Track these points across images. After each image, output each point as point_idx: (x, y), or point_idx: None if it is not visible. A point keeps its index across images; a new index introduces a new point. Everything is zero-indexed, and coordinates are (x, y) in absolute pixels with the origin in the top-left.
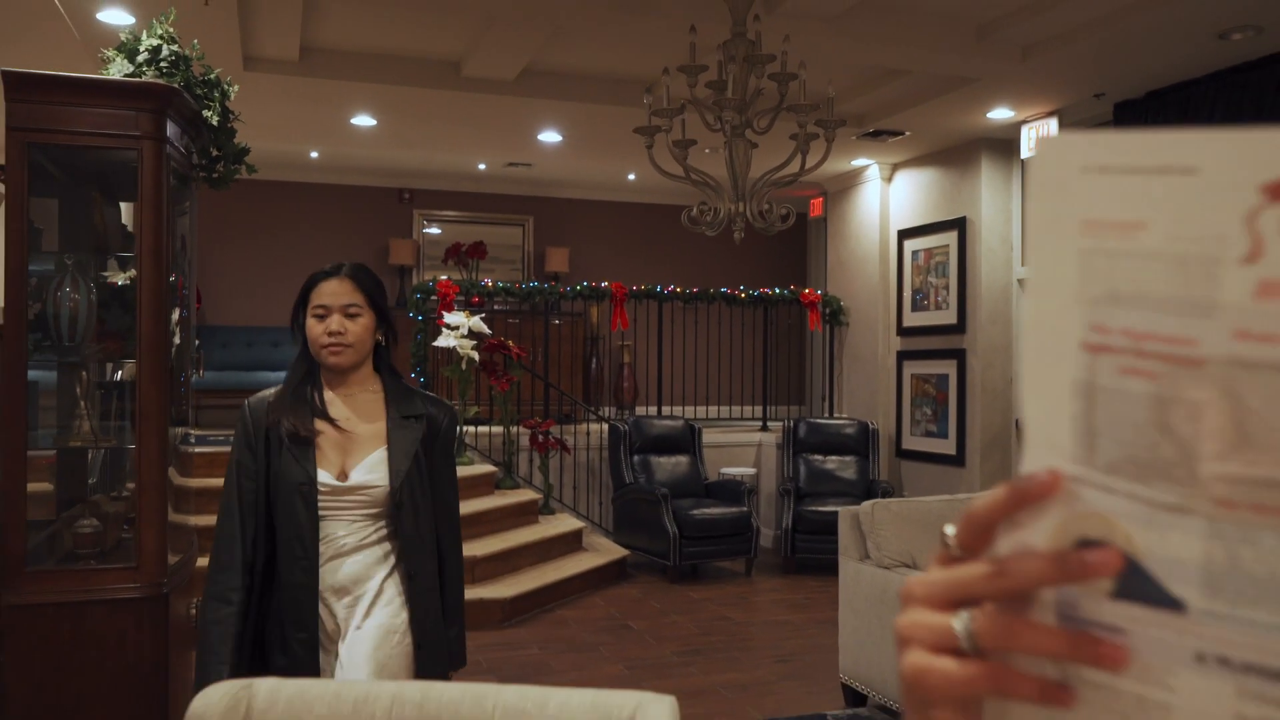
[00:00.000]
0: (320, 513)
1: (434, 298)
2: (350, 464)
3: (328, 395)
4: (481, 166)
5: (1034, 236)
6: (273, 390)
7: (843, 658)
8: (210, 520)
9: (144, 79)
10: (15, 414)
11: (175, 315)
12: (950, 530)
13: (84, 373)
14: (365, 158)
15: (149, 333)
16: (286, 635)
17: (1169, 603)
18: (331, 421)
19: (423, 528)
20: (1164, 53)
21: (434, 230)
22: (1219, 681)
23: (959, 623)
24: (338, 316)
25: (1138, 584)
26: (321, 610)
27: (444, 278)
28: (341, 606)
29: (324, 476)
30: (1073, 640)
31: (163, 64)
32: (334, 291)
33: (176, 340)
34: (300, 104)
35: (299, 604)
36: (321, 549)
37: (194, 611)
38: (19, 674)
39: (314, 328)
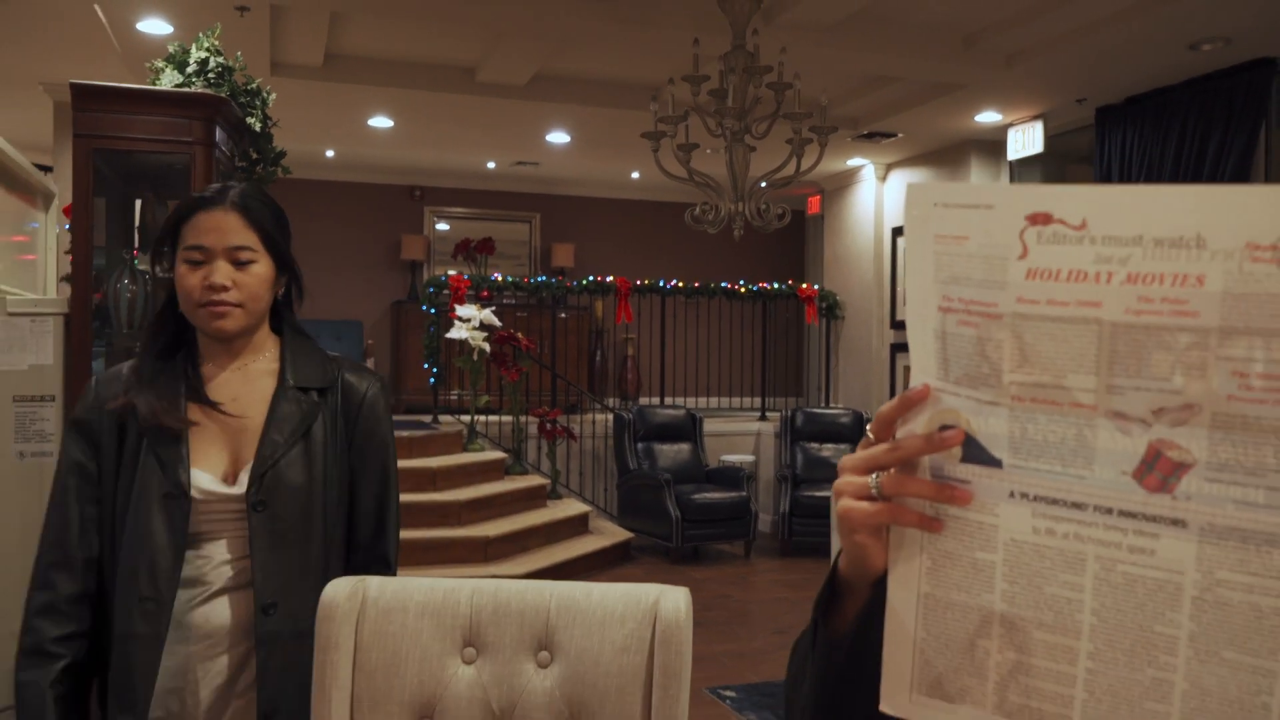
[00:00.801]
0: (195, 531)
1: (446, 292)
2: (243, 463)
3: (207, 369)
4: (491, 165)
5: (909, 245)
6: (127, 364)
7: None
8: None
9: (194, 89)
10: (75, 393)
11: None
12: (869, 428)
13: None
14: (379, 157)
15: None
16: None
17: (992, 461)
18: (213, 406)
19: (306, 548)
20: (1141, 62)
21: (444, 226)
22: (1022, 507)
23: (872, 480)
24: (222, 264)
25: (974, 451)
26: (171, 680)
27: (454, 273)
28: (212, 674)
29: (204, 480)
30: (938, 488)
31: (210, 75)
32: (216, 227)
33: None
34: (321, 107)
35: (129, 669)
36: (185, 589)
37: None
38: None
39: (187, 278)
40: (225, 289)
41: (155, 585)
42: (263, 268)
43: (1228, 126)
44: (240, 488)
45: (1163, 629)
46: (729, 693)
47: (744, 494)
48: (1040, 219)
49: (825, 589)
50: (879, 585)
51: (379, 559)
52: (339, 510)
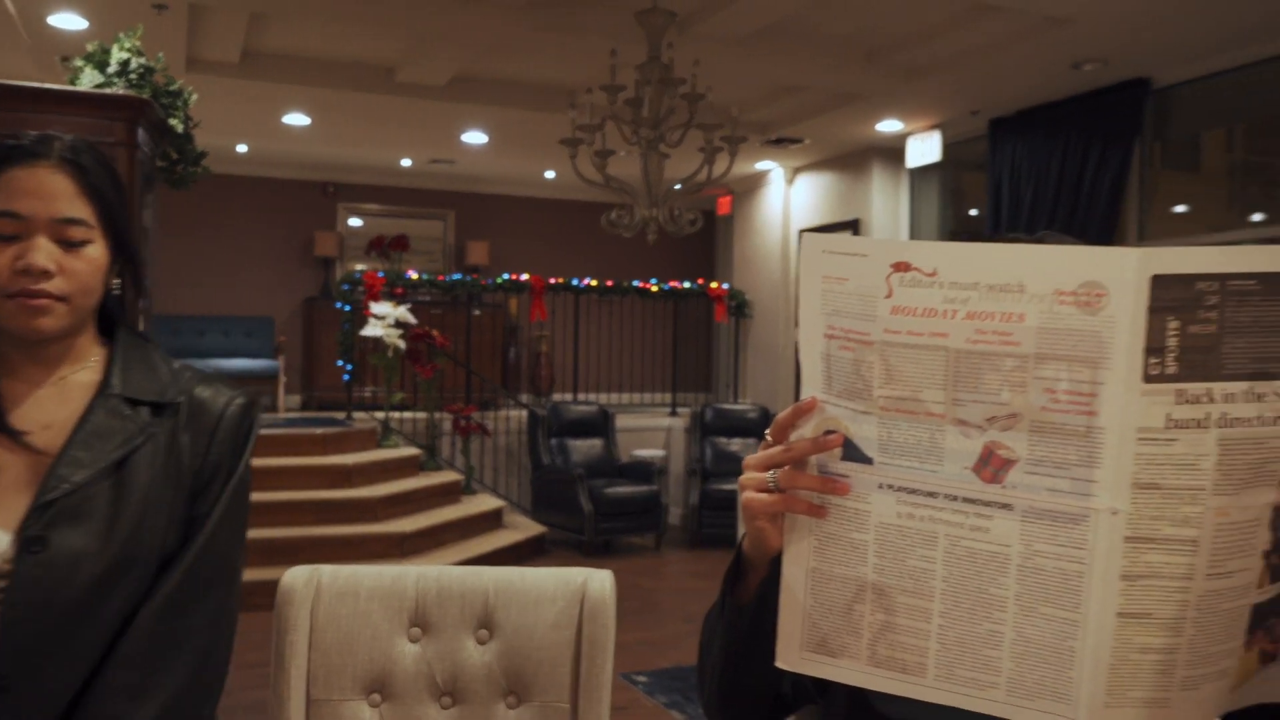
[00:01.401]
0: None
1: (361, 289)
2: None
3: (6, 384)
4: (406, 163)
5: (803, 282)
6: None
7: None
8: None
9: (116, 90)
10: None
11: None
12: (768, 432)
13: None
14: (293, 153)
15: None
16: None
17: (865, 459)
18: (14, 436)
19: (79, 632)
20: (1029, 79)
21: (357, 222)
22: (888, 496)
23: (769, 476)
24: (44, 241)
25: (851, 451)
26: None
27: (368, 269)
28: None
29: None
30: (823, 481)
31: (132, 75)
32: (38, 189)
33: (141, 328)
34: (236, 103)
35: None
36: None
37: None
38: None
39: None
40: (48, 274)
41: None
42: (98, 250)
43: (1106, 140)
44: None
45: (995, 591)
46: (640, 678)
47: (655, 488)
48: (902, 267)
49: (732, 566)
50: (775, 562)
51: (191, 628)
52: (143, 585)
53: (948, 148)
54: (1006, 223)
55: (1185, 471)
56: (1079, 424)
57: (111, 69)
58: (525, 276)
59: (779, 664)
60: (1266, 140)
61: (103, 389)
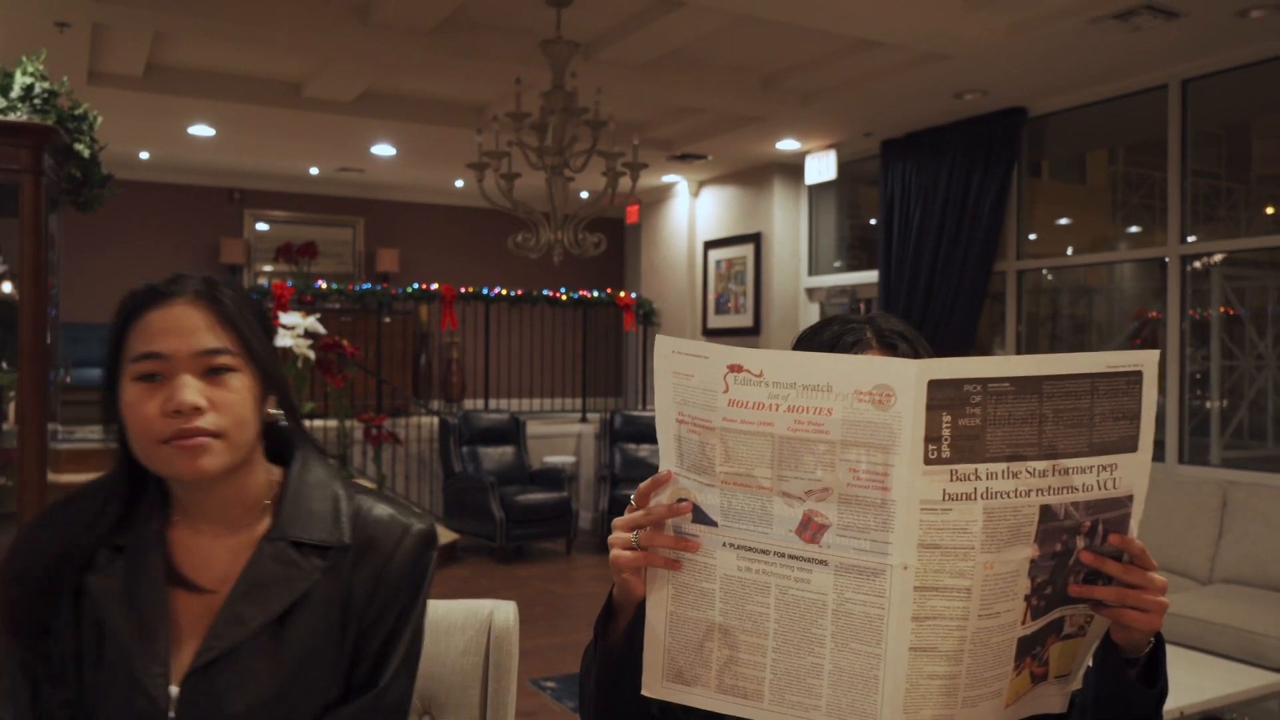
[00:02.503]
0: None
1: (270, 299)
2: None
3: (179, 532)
4: (314, 171)
5: (656, 376)
6: (66, 512)
7: None
8: None
9: (21, 118)
10: None
11: None
12: (633, 498)
13: None
14: (198, 160)
15: (29, 346)
16: None
17: (711, 522)
18: (192, 586)
19: None
20: (915, 106)
21: (264, 227)
22: (731, 553)
23: (633, 536)
24: (189, 378)
25: (700, 515)
26: None
27: (275, 276)
28: None
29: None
30: (677, 540)
31: (36, 100)
32: (176, 326)
33: (49, 340)
34: (139, 114)
35: None
36: None
37: None
38: None
39: (141, 404)
40: (199, 411)
41: None
42: (245, 379)
43: (987, 164)
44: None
45: (816, 630)
46: (549, 684)
47: (565, 494)
48: (735, 368)
49: (603, 612)
50: (640, 606)
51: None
52: None
53: (844, 165)
54: (899, 237)
55: (959, 534)
56: (876, 497)
57: (15, 94)
58: (435, 286)
59: (644, 692)
60: (1146, 156)
61: (270, 532)
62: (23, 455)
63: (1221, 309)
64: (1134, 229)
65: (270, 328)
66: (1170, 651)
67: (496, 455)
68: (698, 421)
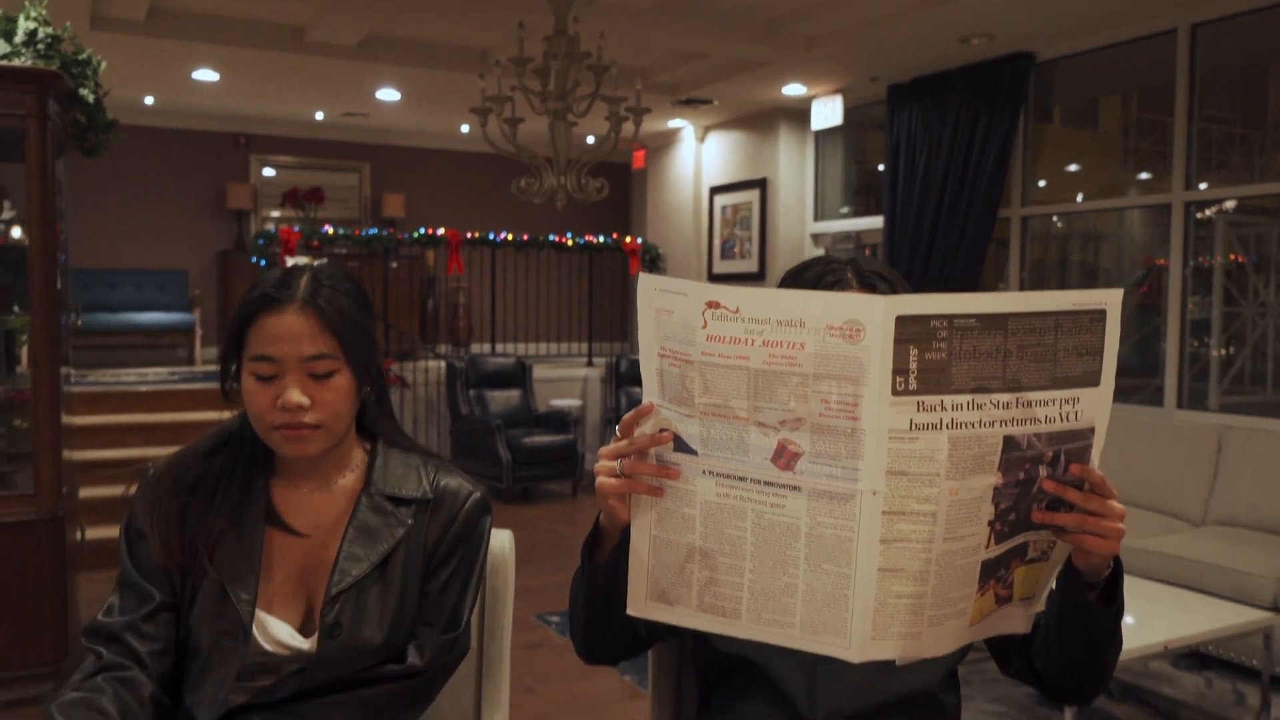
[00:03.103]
0: (246, 682)
1: (276, 243)
2: (318, 602)
3: (281, 487)
4: (319, 115)
5: (639, 312)
6: (184, 461)
7: None
8: (93, 455)
9: (25, 63)
10: None
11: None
12: (617, 428)
13: None
14: (202, 105)
15: (40, 289)
16: None
17: (692, 451)
18: (290, 531)
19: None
20: (922, 50)
21: (270, 172)
22: (710, 480)
23: (618, 465)
24: (296, 378)
25: (681, 445)
26: None
27: (281, 222)
28: None
29: (272, 626)
30: (659, 468)
31: (39, 45)
32: (287, 334)
33: (59, 286)
34: (142, 59)
35: None
36: None
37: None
38: None
39: (256, 395)
40: (302, 409)
41: None
42: (344, 379)
43: (994, 109)
44: (311, 637)
45: (790, 553)
46: (553, 618)
47: (571, 436)
48: (713, 305)
49: (590, 537)
50: (624, 532)
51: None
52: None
53: (850, 110)
54: (904, 183)
55: (925, 462)
56: (846, 427)
57: (18, 39)
58: (441, 231)
59: (629, 612)
60: (1159, 101)
61: (366, 488)
62: (36, 397)
63: (1231, 256)
64: (1145, 175)
65: (370, 318)
66: (1159, 590)
67: (503, 399)
68: (678, 355)
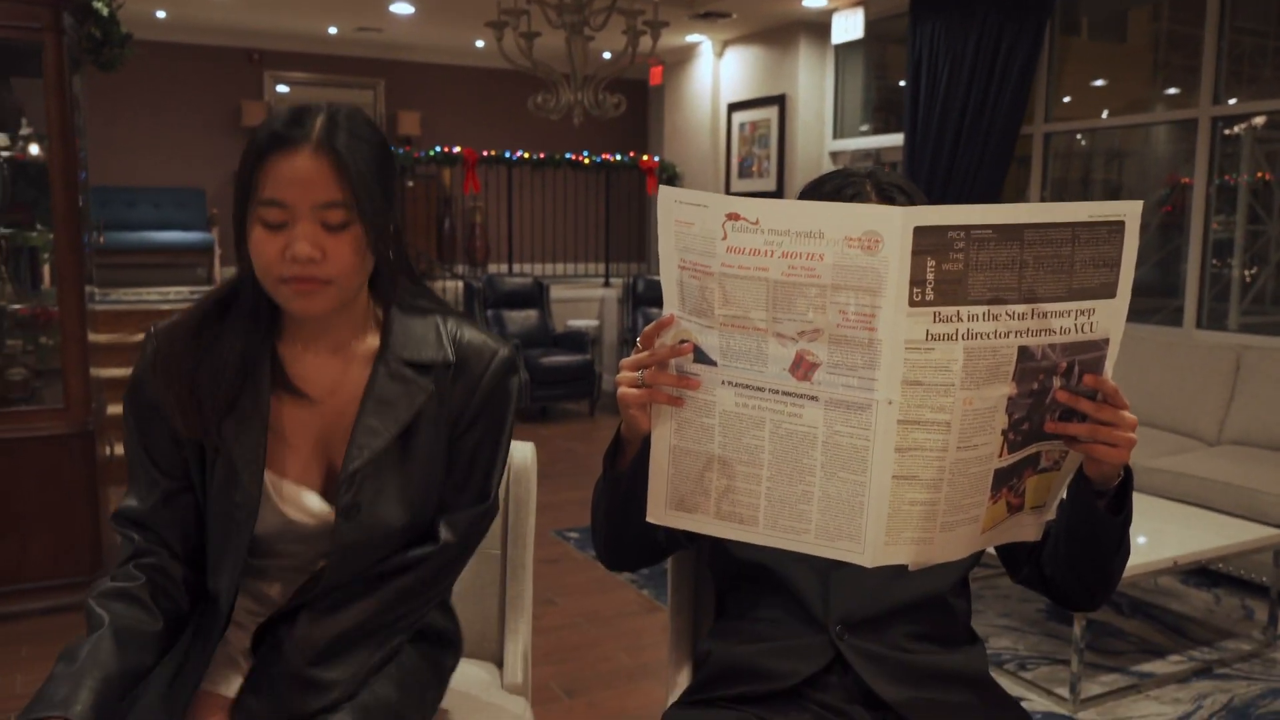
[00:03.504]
0: (265, 550)
1: None
2: (337, 467)
3: (292, 348)
4: (332, 30)
5: (660, 225)
6: (190, 319)
7: None
8: (119, 372)
9: None
10: None
11: None
12: (639, 340)
13: (4, 240)
14: (214, 19)
15: (62, 205)
16: None
17: (711, 362)
18: (302, 395)
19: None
20: None
21: (284, 89)
22: (730, 390)
23: (639, 375)
24: (307, 226)
25: (701, 356)
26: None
27: None
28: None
29: (305, 498)
30: (679, 379)
31: None
32: (299, 177)
33: (80, 204)
34: None
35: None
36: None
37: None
38: None
39: (263, 243)
40: (313, 260)
41: (204, 621)
42: (359, 233)
43: (1019, 22)
44: (327, 506)
45: (807, 461)
46: (572, 534)
47: (588, 357)
48: (733, 216)
49: (612, 446)
50: (645, 441)
51: (455, 542)
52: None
53: (872, 24)
54: (925, 99)
55: (940, 372)
56: (863, 337)
57: None
58: (458, 149)
59: (649, 519)
60: (1190, 13)
61: (383, 354)
62: (63, 314)
63: (1259, 174)
64: (1173, 91)
65: (390, 167)
66: (1171, 507)
67: (520, 319)
68: (698, 267)
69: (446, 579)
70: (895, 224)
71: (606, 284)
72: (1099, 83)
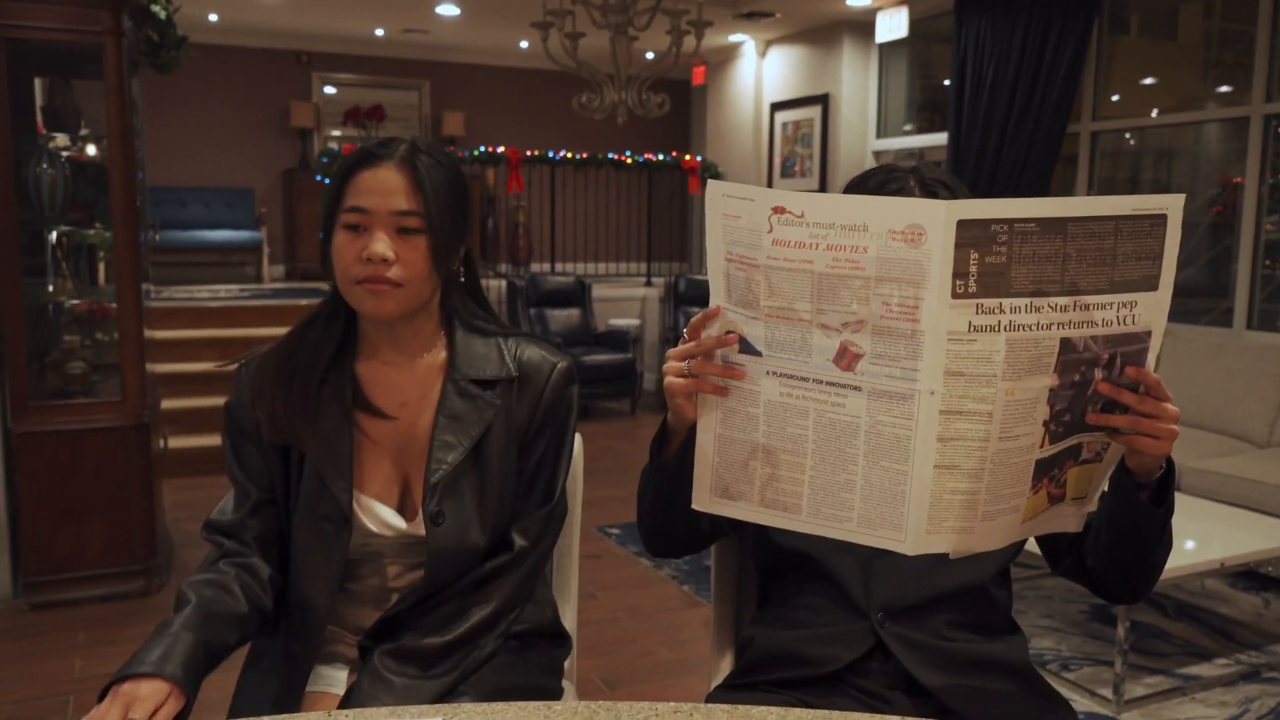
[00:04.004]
0: (355, 558)
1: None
2: (415, 481)
3: (368, 366)
4: (379, 32)
5: (708, 218)
6: (278, 348)
7: None
8: (171, 368)
9: None
10: (9, 273)
11: None
12: (685, 331)
13: (65, 238)
14: (264, 22)
15: (121, 204)
16: None
17: (756, 353)
18: (379, 414)
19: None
20: None
21: (331, 90)
22: (774, 380)
23: (685, 365)
24: (384, 232)
25: (746, 346)
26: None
27: (344, 140)
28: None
29: (370, 505)
30: (725, 369)
31: None
32: (380, 187)
33: (138, 204)
34: None
35: (284, 675)
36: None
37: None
38: (30, 490)
39: (345, 248)
40: (386, 262)
41: (304, 623)
42: (428, 242)
43: (1066, 19)
44: (412, 519)
45: (850, 450)
46: (614, 530)
47: (630, 355)
48: (779, 210)
49: (658, 434)
50: (691, 430)
51: (529, 555)
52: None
53: (916, 22)
54: (970, 98)
55: (983, 363)
56: (906, 328)
57: None
58: (501, 149)
59: (694, 506)
60: (1244, 9)
61: (450, 373)
62: (121, 310)
63: None
64: (1225, 89)
65: (463, 194)
66: (1219, 510)
67: (563, 317)
68: (744, 260)
69: (528, 582)
70: (939, 217)
71: (648, 283)
72: (1148, 81)
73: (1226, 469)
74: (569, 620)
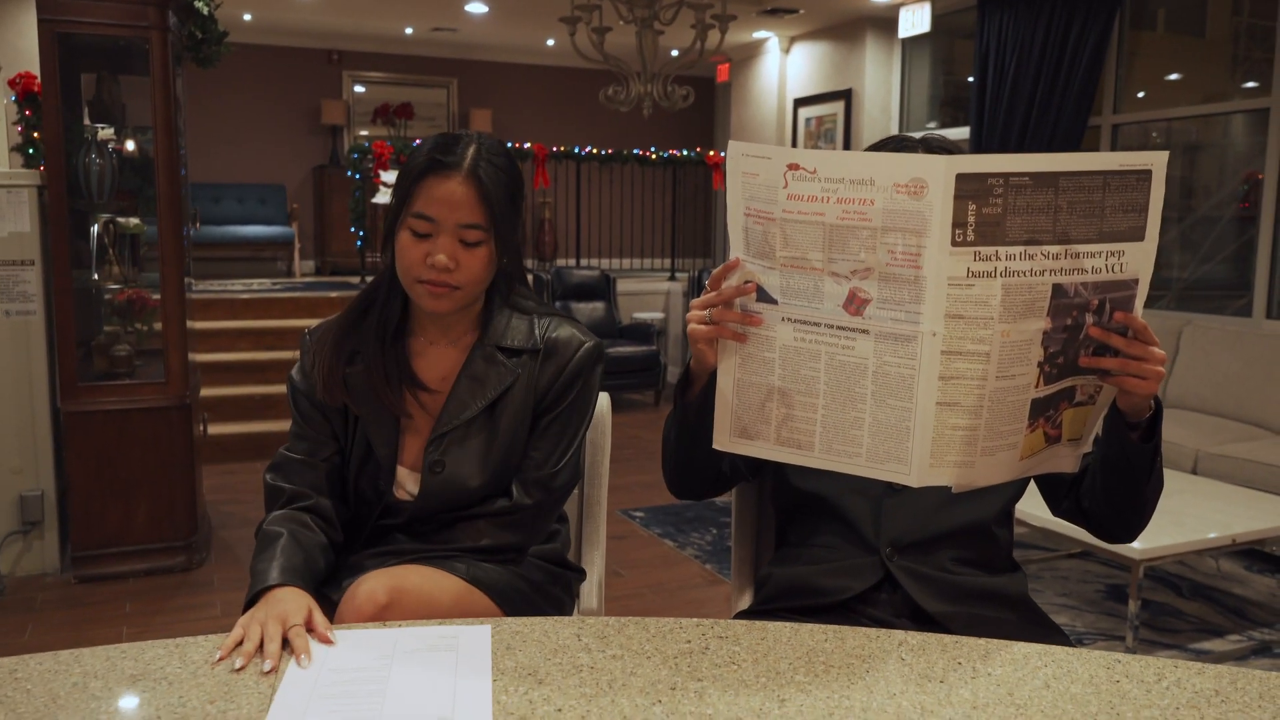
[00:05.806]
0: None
1: (370, 158)
2: None
3: (418, 342)
4: (408, 30)
5: (728, 176)
6: (336, 323)
7: None
8: (209, 357)
9: None
10: (60, 259)
11: None
12: (707, 282)
13: (112, 225)
14: (297, 21)
15: (166, 193)
16: None
17: (772, 301)
18: (424, 389)
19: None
20: None
21: (361, 89)
22: (789, 327)
23: (707, 313)
24: (447, 241)
25: (763, 295)
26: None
27: (373, 138)
28: None
29: (408, 480)
30: (744, 316)
31: None
32: (449, 199)
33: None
34: None
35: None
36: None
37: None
38: (79, 467)
39: (410, 249)
40: (448, 270)
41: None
42: (488, 249)
43: (1088, 13)
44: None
45: (858, 390)
46: (638, 513)
47: (654, 348)
48: (793, 167)
49: (681, 378)
50: (712, 375)
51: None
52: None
53: (939, 18)
54: (992, 93)
55: (980, 306)
56: (910, 275)
57: None
58: (528, 145)
59: (715, 446)
60: (1273, 4)
61: (480, 341)
62: (165, 296)
63: None
64: (1251, 84)
65: (519, 192)
66: (1236, 491)
67: (588, 310)
68: (761, 214)
69: (525, 530)
70: (939, 171)
71: (672, 277)
72: (1174, 77)
73: (1245, 454)
74: (596, 562)
